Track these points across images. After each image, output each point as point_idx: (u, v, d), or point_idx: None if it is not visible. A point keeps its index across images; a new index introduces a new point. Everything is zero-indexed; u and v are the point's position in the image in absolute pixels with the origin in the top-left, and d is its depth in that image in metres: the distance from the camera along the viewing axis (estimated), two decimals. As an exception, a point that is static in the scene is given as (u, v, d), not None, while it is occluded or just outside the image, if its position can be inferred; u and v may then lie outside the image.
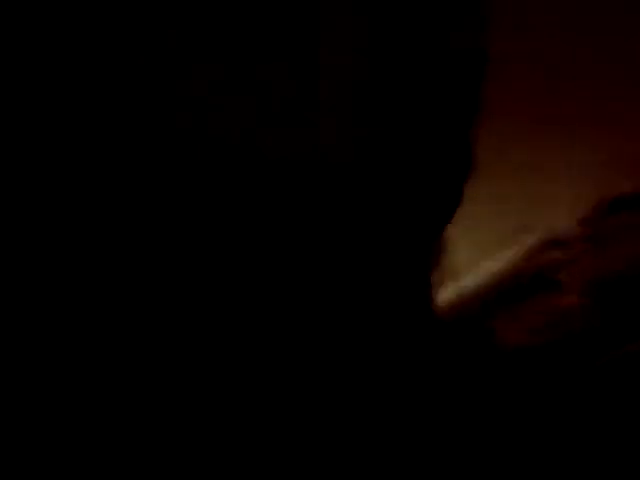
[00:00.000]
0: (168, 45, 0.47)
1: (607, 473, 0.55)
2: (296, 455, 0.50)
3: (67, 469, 0.50)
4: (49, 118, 0.47)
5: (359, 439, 0.51)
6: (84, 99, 0.47)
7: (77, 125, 0.47)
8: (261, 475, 0.50)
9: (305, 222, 0.49)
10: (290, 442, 0.50)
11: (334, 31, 0.48)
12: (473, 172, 0.54)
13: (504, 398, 0.56)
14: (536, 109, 1.00)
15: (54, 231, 0.48)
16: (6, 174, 0.48)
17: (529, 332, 0.77)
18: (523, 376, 0.62)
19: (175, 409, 0.50)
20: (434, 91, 0.52)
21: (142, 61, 0.47)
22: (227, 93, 0.48)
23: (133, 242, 0.48)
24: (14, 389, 0.50)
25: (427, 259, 0.55)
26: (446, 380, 0.55)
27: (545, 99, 1.01)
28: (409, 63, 0.51)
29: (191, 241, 0.48)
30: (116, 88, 0.47)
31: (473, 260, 0.88)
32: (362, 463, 0.51)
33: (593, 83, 1.01)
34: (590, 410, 0.56)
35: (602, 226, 0.86)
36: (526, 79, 1.01)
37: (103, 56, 0.47)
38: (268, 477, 0.50)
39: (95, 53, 0.47)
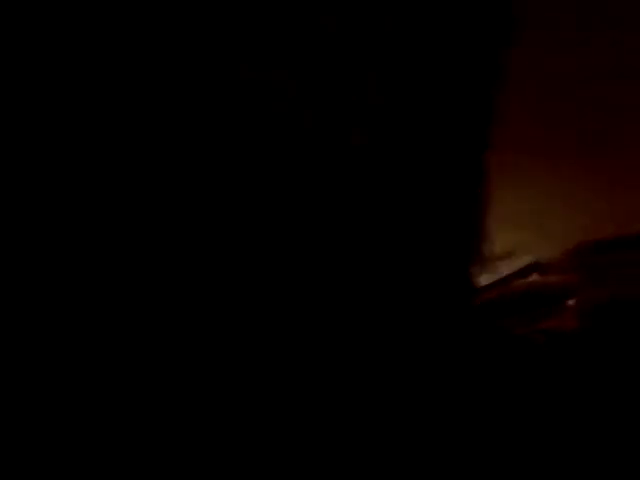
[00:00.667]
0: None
1: (607, 472, 0.55)
2: (299, 454, 0.50)
3: (67, 469, 0.49)
4: (57, 116, 0.47)
5: (376, 435, 0.51)
6: (94, 95, 0.46)
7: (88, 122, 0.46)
8: (261, 475, 0.50)
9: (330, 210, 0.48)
10: (295, 441, 0.50)
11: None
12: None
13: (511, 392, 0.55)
14: (542, 133, 1.02)
15: (56, 227, 0.48)
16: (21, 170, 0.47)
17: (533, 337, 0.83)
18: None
19: (175, 409, 0.49)
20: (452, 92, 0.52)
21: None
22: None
23: (136, 235, 0.47)
24: (14, 389, 0.49)
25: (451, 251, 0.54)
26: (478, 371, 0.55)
27: (550, 125, 1.03)
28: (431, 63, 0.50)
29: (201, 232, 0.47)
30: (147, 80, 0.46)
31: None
32: (374, 461, 0.51)
33: (599, 114, 1.03)
34: (590, 408, 0.56)
35: (590, 261, 0.94)
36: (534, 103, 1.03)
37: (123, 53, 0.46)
38: (268, 477, 0.50)
39: (108, 50, 0.46)
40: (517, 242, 0.97)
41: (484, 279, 0.95)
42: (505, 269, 0.96)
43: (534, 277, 0.96)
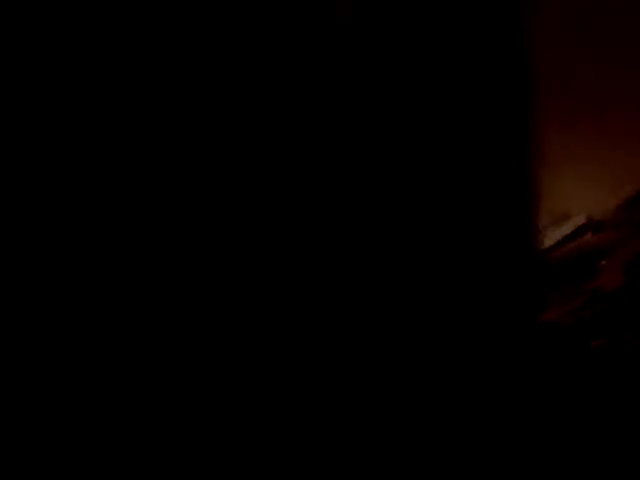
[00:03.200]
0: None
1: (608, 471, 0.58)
2: (304, 452, 0.50)
3: (67, 469, 0.50)
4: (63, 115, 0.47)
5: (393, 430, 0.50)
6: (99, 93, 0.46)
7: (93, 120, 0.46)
8: (261, 475, 0.50)
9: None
10: (305, 439, 0.50)
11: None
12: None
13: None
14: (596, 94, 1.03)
15: (56, 227, 0.48)
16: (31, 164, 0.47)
17: (569, 312, 0.85)
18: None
19: (174, 409, 0.50)
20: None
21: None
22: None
23: (136, 235, 0.48)
24: (14, 389, 0.50)
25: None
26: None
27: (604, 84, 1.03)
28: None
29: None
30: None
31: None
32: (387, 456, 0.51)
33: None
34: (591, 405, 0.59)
35: (637, 213, 0.96)
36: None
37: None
38: (269, 477, 0.50)
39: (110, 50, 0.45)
40: (570, 203, 0.99)
41: (547, 240, 0.98)
42: (559, 232, 0.99)
43: (588, 236, 0.98)
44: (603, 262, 0.93)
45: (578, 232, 0.99)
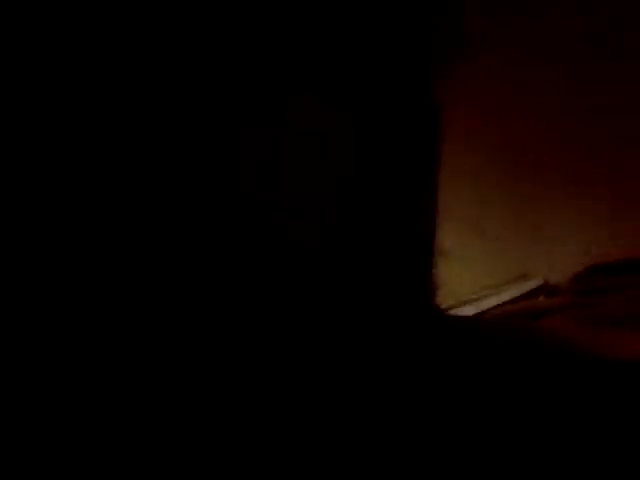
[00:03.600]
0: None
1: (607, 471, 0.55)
2: (298, 453, 0.50)
3: (67, 469, 0.49)
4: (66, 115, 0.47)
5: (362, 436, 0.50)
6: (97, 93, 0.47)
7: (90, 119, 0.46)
8: (261, 475, 0.49)
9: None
10: (293, 440, 0.50)
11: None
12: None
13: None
14: (534, 158, 1.06)
15: (56, 227, 0.47)
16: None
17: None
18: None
19: (173, 409, 0.50)
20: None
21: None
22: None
23: (136, 236, 0.48)
24: (14, 389, 0.49)
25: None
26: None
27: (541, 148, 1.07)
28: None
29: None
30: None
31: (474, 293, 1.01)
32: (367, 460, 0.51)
33: (592, 136, 1.07)
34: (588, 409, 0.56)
35: (588, 284, 1.01)
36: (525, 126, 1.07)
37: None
38: (268, 477, 0.49)
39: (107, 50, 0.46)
40: (530, 267, 1.05)
41: (504, 296, 1.03)
42: (516, 291, 1.04)
43: (541, 298, 1.04)
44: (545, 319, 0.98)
45: (533, 293, 1.05)
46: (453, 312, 0.98)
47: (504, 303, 1.03)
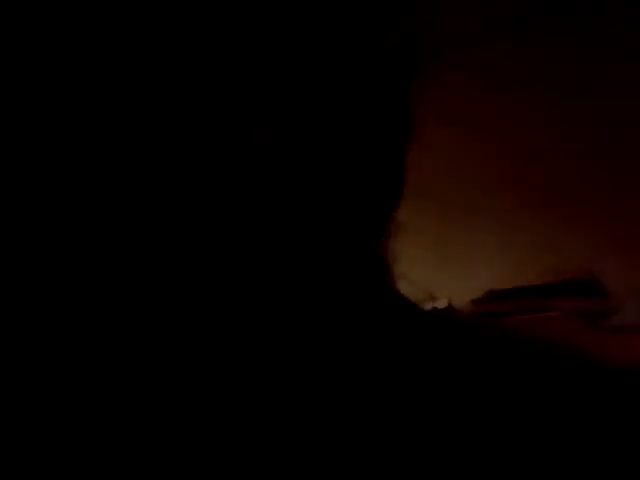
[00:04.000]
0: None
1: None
2: (292, 453, 0.49)
3: (67, 469, 0.50)
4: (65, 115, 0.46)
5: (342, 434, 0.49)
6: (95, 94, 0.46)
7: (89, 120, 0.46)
8: (260, 475, 0.50)
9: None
10: (285, 440, 0.49)
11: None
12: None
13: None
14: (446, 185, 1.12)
15: (56, 227, 0.47)
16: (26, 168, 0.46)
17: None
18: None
19: (173, 409, 0.50)
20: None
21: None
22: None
23: (135, 236, 0.47)
24: (14, 389, 0.49)
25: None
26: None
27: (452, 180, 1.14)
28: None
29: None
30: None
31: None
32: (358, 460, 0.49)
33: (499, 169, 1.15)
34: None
35: (487, 307, 1.12)
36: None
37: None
38: (267, 477, 0.50)
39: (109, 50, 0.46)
40: (438, 287, 1.12)
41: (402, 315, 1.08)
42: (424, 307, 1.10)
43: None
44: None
45: (436, 310, 1.12)
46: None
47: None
